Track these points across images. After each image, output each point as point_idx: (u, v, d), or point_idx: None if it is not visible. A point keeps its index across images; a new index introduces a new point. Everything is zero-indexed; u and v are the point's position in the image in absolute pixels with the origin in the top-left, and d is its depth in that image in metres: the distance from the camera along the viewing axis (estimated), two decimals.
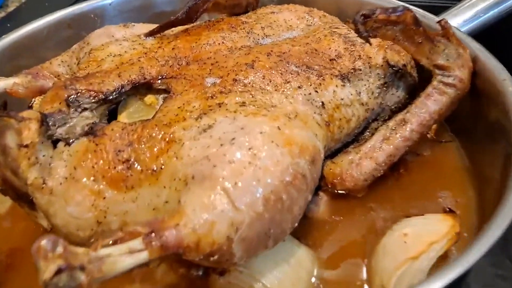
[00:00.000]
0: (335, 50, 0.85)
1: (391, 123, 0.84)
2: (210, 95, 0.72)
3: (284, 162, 0.61)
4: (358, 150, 0.82)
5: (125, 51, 0.84)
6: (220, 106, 0.69)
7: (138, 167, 0.64)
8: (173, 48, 0.83)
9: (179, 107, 0.70)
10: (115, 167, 0.64)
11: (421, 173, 0.90)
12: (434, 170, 0.90)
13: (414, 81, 0.92)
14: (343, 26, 0.94)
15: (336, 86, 0.79)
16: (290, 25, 0.95)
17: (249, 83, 0.74)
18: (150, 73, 0.78)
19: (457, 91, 0.84)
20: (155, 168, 0.63)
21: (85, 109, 0.73)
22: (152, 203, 0.63)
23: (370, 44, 0.73)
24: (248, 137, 0.62)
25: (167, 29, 0.89)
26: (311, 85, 0.77)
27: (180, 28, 0.91)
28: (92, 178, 0.64)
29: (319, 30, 0.92)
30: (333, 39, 0.87)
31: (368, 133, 0.88)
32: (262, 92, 0.73)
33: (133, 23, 0.94)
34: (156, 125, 0.67)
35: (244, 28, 0.90)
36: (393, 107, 0.89)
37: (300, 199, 0.63)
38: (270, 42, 0.89)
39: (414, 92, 0.93)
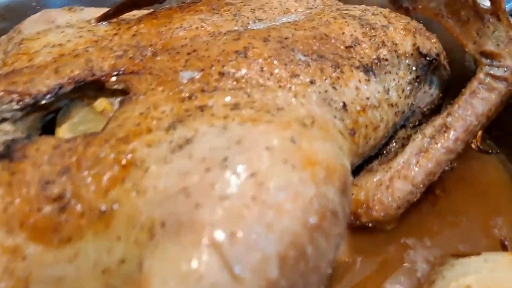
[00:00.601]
0: (351, 35, 0.64)
1: (428, 130, 0.63)
2: (187, 95, 0.50)
3: (306, 193, 0.39)
4: (387, 168, 0.62)
5: (68, 40, 0.61)
6: (202, 111, 0.47)
7: (78, 208, 0.41)
8: (134, 35, 0.61)
9: (141, 113, 0.48)
10: (40, 209, 0.41)
11: (462, 194, 0.69)
12: (476, 189, 0.70)
13: (448, 76, 0.72)
14: (354, 7, 0.73)
15: (359, 81, 0.58)
16: (287, 8, 0.74)
17: (242, 77, 0.53)
18: (101, 67, 0.56)
19: (509, 87, 0.65)
20: (103, 209, 0.40)
21: (4, 119, 0.50)
22: (100, 263, 0.41)
23: (411, 16, 0.53)
24: (249, 156, 0.40)
25: (126, 12, 0.67)
26: (326, 80, 0.56)
27: (143, 11, 0.69)
28: (4, 228, 0.41)
29: (324, 13, 0.71)
30: (345, 21, 0.66)
31: (394, 144, 0.68)
32: (261, 90, 0.51)
33: (81, 6, 0.71)
34: (106, 140, 0.45)
35: (229, 10, 0.68)
36: (425, 109, 0.69)
37: (330, 249, 0.41)
38: (264, 27, 0.67)
39: (447, 90, 0.73)
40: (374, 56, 0.62)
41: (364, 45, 0.63)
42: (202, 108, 0.47)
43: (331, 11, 0.72)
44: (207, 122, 0.45)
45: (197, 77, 0.52)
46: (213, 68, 0.53)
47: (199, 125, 0.45)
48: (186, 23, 0.63)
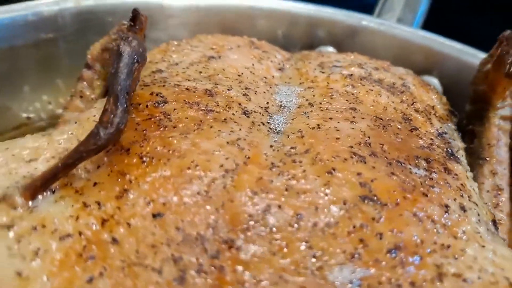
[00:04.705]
0: (394, 108, 0.49)
1: (487, 198, 0.55)
2: None
3: None
4: None
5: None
6: None
7: None
8: (156, 215, 0.31)
9: None
10: None
11: None
12: None
13: None
14: (337, 62, 0.58)
15: (467, 177, 0.44)
16: (264, 77, 0.53)
17: (416, 245, 0.32)
18: None
19: None
20: None
21: None
22: None
23: None
24: None
25: (74, 166, 0.33)
26: (463, 196, 0.40)
27: (97, 157, 0.35)
28: None
29: (316, 76, 0.54)
30: (371, 90, 0.50)
31: None
32: (455, 257, 0.32)
33: None
34: None
35: (230, 108, 0.43)
36: None
37: None
38: (285, 121, 0.45)
39: None
40: (435, 131, 0.48)
41: (416, 120, 0.48)
42: None
43: (319, 71, 0.55)
44: None
45: (364, 276, 0.29)
46: (365, 249, 0.31)
47: None
48: (215, 166, 0.35)
